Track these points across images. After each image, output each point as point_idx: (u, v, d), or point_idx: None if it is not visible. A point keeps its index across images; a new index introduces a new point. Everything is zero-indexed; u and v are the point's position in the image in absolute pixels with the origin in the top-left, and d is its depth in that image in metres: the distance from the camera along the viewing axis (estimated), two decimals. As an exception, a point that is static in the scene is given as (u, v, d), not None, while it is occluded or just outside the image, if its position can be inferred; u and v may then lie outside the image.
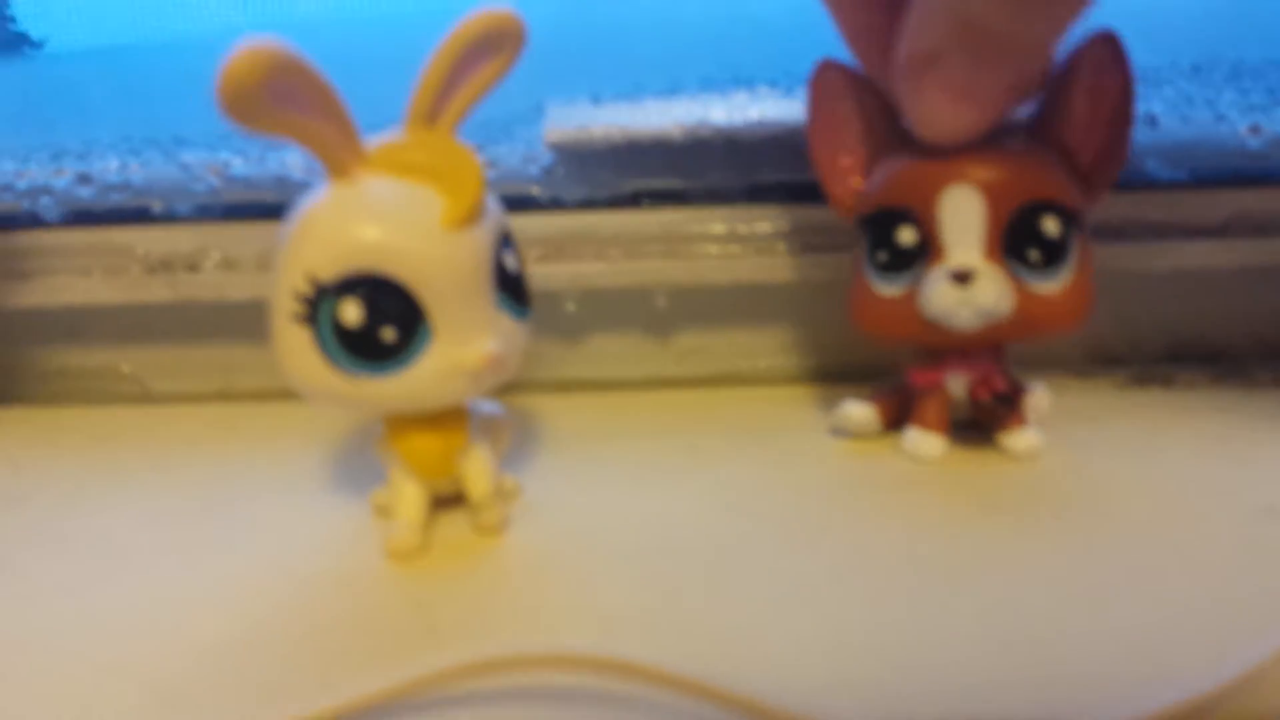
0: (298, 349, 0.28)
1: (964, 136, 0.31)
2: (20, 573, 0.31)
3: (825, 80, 0.35)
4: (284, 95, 0.25)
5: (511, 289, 0.29)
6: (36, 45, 0.55)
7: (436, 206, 0.27)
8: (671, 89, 0.42)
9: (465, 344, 0.28)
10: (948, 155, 0.33)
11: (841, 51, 0.35)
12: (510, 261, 0.29)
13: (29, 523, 0.34)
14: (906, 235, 0.33)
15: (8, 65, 0.54)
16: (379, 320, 0.27)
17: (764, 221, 0.40)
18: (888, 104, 0.34)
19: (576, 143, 0.40)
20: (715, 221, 0.40)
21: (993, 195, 0.32)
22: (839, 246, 0.40)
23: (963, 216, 0.32)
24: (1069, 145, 0.33)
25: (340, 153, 0.27)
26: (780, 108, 0.40)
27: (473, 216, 0.27)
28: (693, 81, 0.42)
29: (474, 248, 0.28)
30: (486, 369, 0.28)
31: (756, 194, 0.41)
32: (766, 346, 0.43)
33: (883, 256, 0.34)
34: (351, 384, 0.28)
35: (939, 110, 0.29)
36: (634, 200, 0.41)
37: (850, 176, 0.35)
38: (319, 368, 0.27)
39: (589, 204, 0.41)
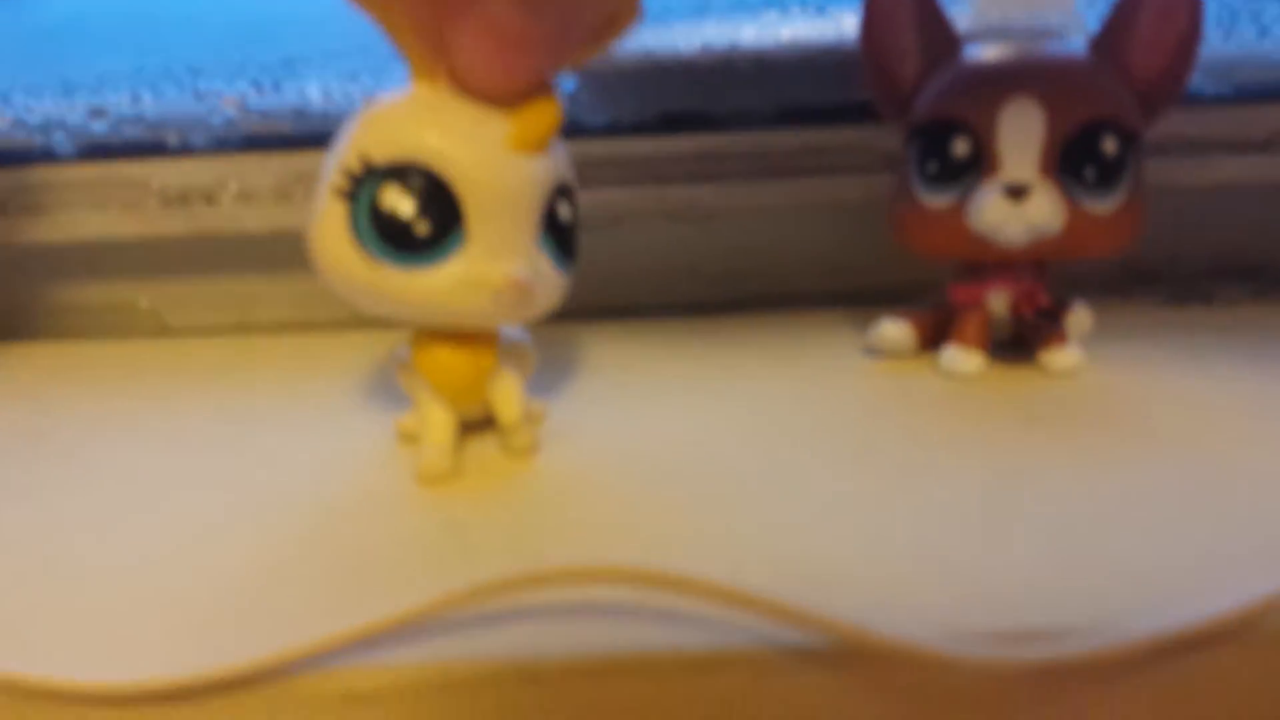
0: (331, 226, 0.27)
1: (515, 87, 0.27)
2: (44, 505, 0.30)
3: None
4: None
5: (558, 236, 0.29)
6: None
7: (504, 127, 0.27)
8: (700, 9, 0.41)
9: (495, 262, 0.27)
10: (1011, 68, 0.32)
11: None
12: (564, 211, 0.29)
13: (51, 456, 0.33)
14: (960, 146, 0.32)
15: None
16: (417, 208, 0.27)
17: (795, 144, 0.39)
18: (944, 13, 0.33)
19: (601, 66, 0.39)
20: (744, 145, 0.39)
21: (1055, 111, 0.31)
22: (870, 168, 0.39)
23: (1022, 131, 0.31)
24: (1131, 65, 0.33)
25: (428, 55, 0.27)
26: (811, 28, 0.39)
27: (536, 145, 0.27)
28: (723, 3, 0.41)
29: (529, 178, 0.28)
30: (510, 291, 0.27)
31: (786, 117, 0.40)
32: (800, 269, 0.42)
33: (933, 167, 0.33)
34: (374, 270, 0.27)
35: (481, 54, 0.26)
36: (661, 124, 0.40)
37: (903, 84, 0.35)
38: (347, 248, 0.27)
39: (614, 129, 0.40)
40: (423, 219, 0.27)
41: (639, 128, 0.40)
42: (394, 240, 0.27)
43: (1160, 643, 0.21)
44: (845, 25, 0.39)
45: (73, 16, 0.44)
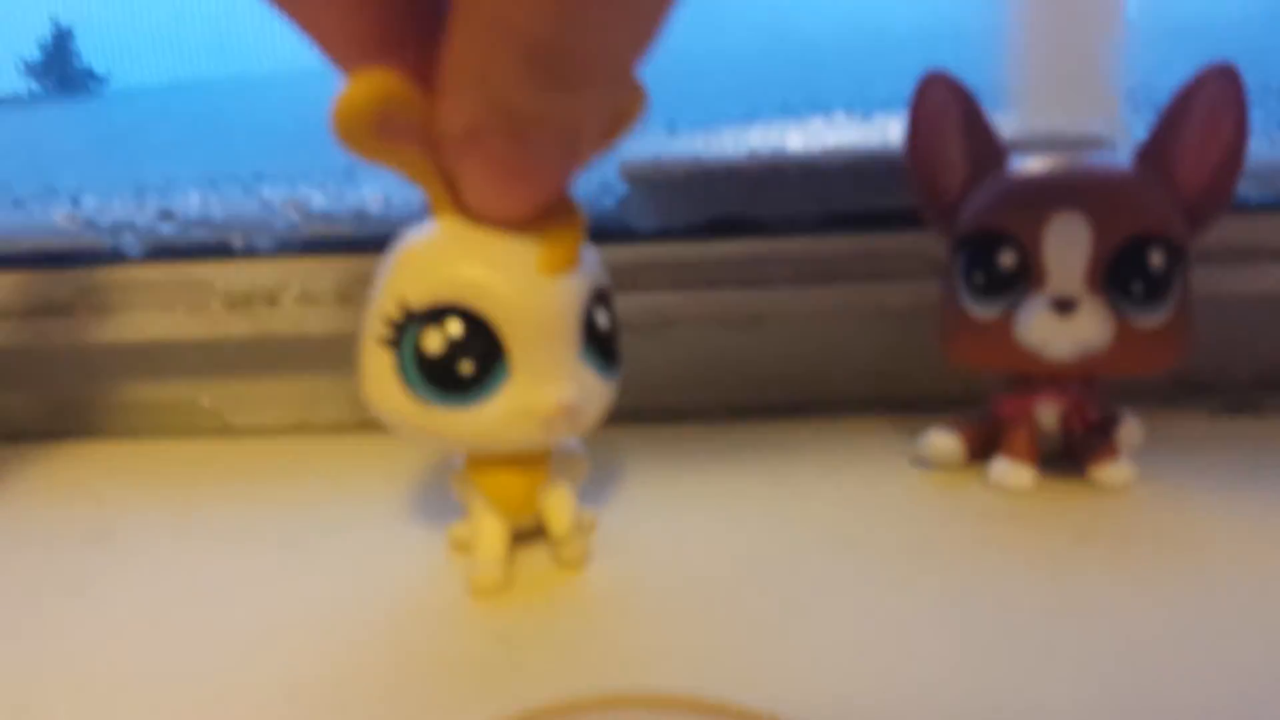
0: (380, 372, 0.28)
1: (519, 213, 0.27)
2: (106, 605, 0.31)
3: (930, 94, 0.35)
4: (397, 128, 0.25)
5: (599, 345, 0.29)
6: (101, 80, 0.56)
7: (532, 252, 0.27)
8: (747, 116, 0.42)
9: (541, 389, 0.28)
10: (1057, 180, 0.32)
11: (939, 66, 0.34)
12: (602, 319, 0.29)
13: (111, 553, 0.34)
14: (1007, 259, 0.32)
15: (76, 102, 0.56)
16: (459, 351, 0.27)
17: (842, 249, 0.40)
18: (989, 122, 0.34)
19: (651, 172, 0.40)
20: (792, 250, 0.40)
21: (1101, 225, 0.31)
22: (916, 274, 0.40)
23: (1068, 244, 0.32)
24: (1177, 176, 0.33)
25: (447, 191, 0.27)
26: (858, 133, 0.39)
27: (568, 265, 0.27)
28: (769, 108, 0.42)
29: (565, 297, 0.28)
30: (558, 416, 0.28)
31: (833, 222, 0.40)
32: (844, 375, 0.42)
33: (980, 279, 0.33)
34: (425, 412, 0.28)
35: (487, 188, 0.26)
36: (710, 229, 0.40)
37: (949, 193, 0.35)
38: (397, 392, 0.28)
39: (664, 233, 0.41)
40: (467, 359, 0.27)
41: (689, 232, 0.41)
42: (441, 383, 0.27)
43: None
44: (890, 132, 0.40)
45: (144, 120, 0.46)
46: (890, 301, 0.40)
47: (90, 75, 0.57)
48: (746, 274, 0.40)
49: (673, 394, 0.43)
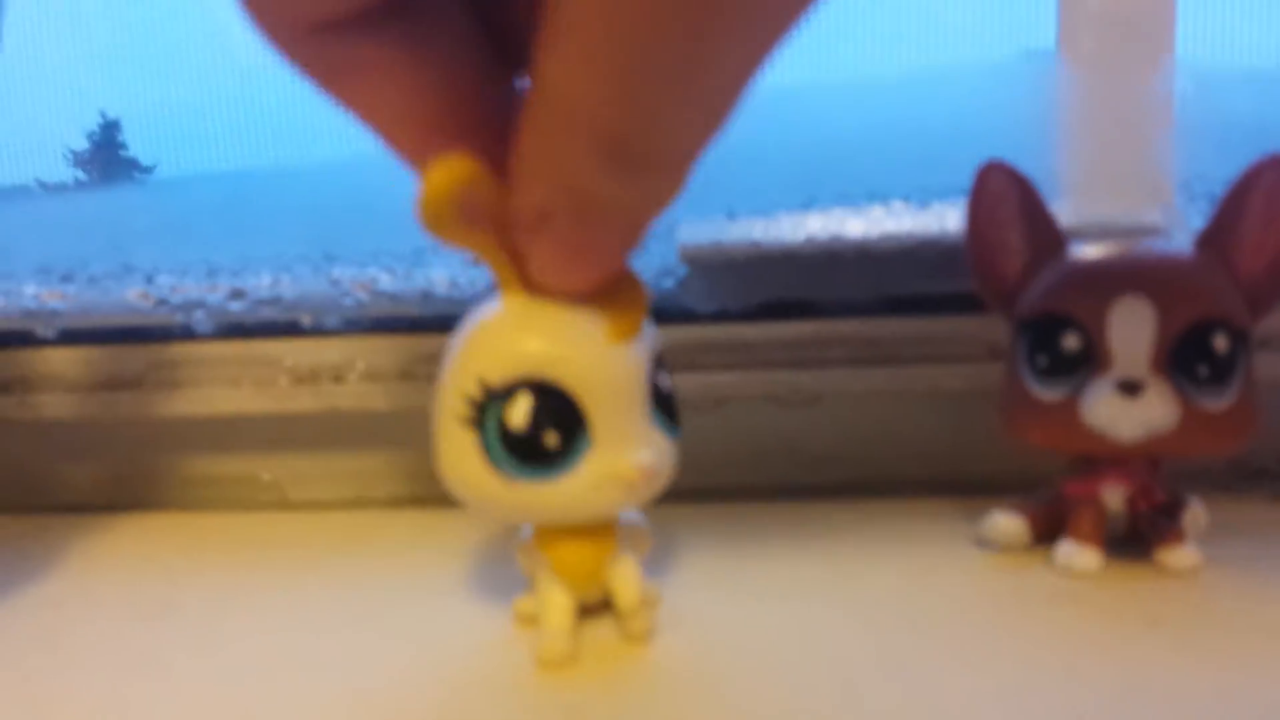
0: (461, 452, 0.28)
1: (584, 288, 0.28)
2: (175, 677, 0.31)
3: (990, 182, 0.35)
4: (476, 211, 0.26)
5: (664, 407, 0.30)
6: (146, 170, 0.58)
7: (600, 322, 0.28)
8: (806, 204, 0.42)
9: (622, 454, 0.28)
10: (1120, 265, 0.32)
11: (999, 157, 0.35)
12: (663, 381, 0.30)
13: (176, 626, 0.34)
14: (1071, 341, 0.33)
15: (120, 190, 0.57)
16: (543, 423, 0.28)
17: (897, 332, 0.40)
18: (1048, 209, 0.35)
19: (710, 255, 0.40)
20: (847, 331, 0.40)
21: (1165, 309, 0.32)
22: (972, 357, 0.40)
23: (1133, 328, 0.32)
24: (1237, 263, 0.33)
25: (516, 269, 0.28)
26: (914, 221, 0.40)
27: (634, 333, 0.28)
28: (828, 197, 0.42)
29: (634, 363, 0.28)
30: (642, 480, 0.28)
31: (889, 306, 0.41)
32: (903, 456, 0.43)
33: (1043, 361, 0.33)
34: (511, 488, 0.28)
35: (555, 266, 0.27)
36: (766, 311, 0.41)
37: (1008, 278, 0.35)
38: (481, 471, 0.28)
39: (722, 315, 0.41)
40: (552, 431, 0.28)
41: (746, 314, 0.41)
42: (529, 458, 0.28)
43: None
44: (946, 219, 0.41)
45: (220, 204, 0.47)
46: (945, 384, 0.40)
47: (135, 165, 0.59)
48: (801, 355, 0.41)
49: (729, 473, 0.43)
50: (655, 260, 0.42)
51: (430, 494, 0.44)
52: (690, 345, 0.41)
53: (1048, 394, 0.33)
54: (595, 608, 0.32)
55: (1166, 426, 0.32)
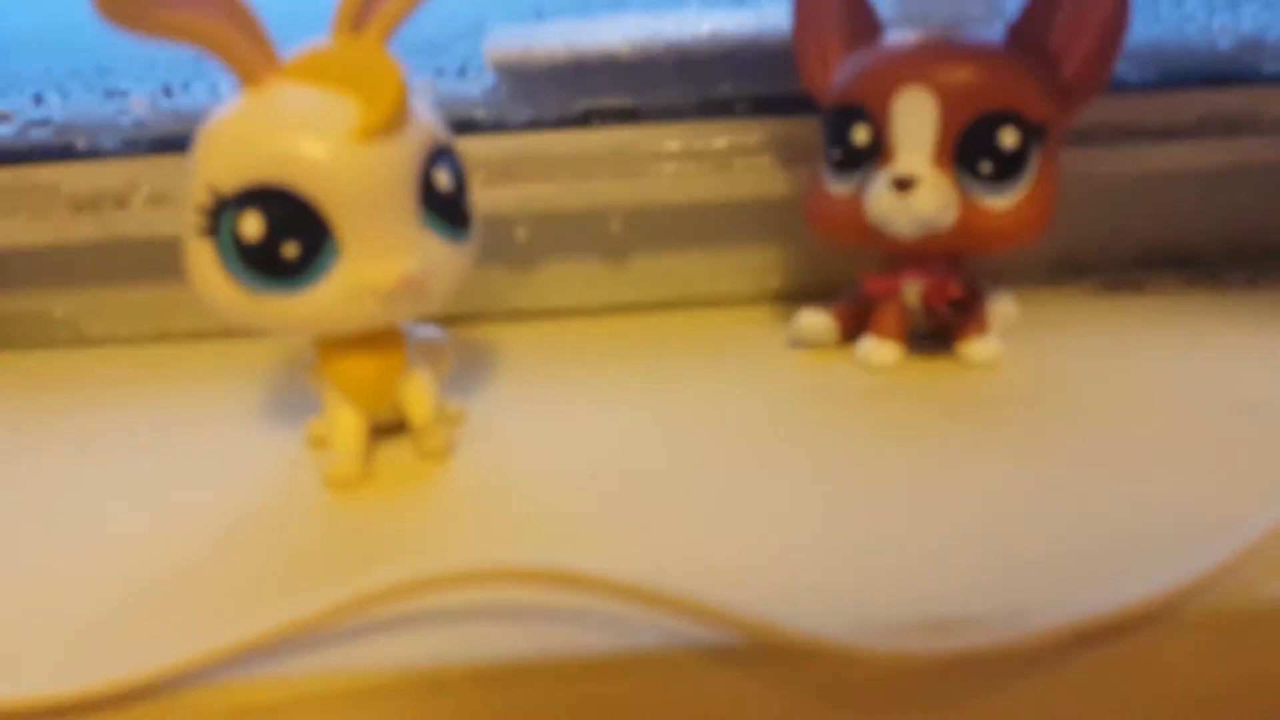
0: (203, 264, 0.26)
1: None
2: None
3: None
4: None
5: (442, 208, 0.27)
6: None
7: (344, 117, 0.25)
8: (620, 3, 0.40)
9: (378, 263, 0.26)
10: (911, 55, 0.31)
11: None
12: (443, 179, 0.27)
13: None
14: (860, 134, 0.32)
15: None
16: (279, 234, 0.25)
17: (719, 137, 0.39)
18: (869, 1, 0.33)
19: (521, 62, 0.38)
20: (669, 139, 0.39)
21: (948, 101, 0.30)
22: (797, 161, 0.39)
23: (914, 120, 0.31)
24: (1050, 52, 0.32)
25: (248, 58, 0.26)
26: (733, 20, 0.38)
27: (388, 127, 0.25)
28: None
29: (392, 161, 0.26)
30: (400, 290, 0.26)
31: (710, 109, 0.39)
32: (725, 266, 0.42)
33: (837, 154, 0.32)
34: (255, 301, 0.26)
35: None
36: (583, 119, 0.39)
37: (827, 67, 0.34)
38: (223, 284, 0.26)
39: (535, 125, 0.39)
40: (290, 241, 0.25)
41: (561, 122, 0.39)
42: (266, 269, 0.26)
43: (1078, 629, 0.21)
44: (767, 17, 0.39)
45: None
46: (768, 190, 0.39)
47: None
48: (622, 165, 0.39)
49: (548, 290, 0.42)
50: (455, 63, 0.39)
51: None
52: (502, 158, 0.39)
53: (839, 187, 0.33)
54: (398, 429, 0.31)
55: (944, 224, 0.31)
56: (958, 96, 0.30)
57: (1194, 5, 0.40)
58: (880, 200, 0.31)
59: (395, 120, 0.25)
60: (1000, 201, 0.31)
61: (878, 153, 0.32)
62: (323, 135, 0.25)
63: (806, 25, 0.34)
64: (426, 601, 0.22)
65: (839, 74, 0.33)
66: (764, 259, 0.41)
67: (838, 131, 0.32)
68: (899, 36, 0.33)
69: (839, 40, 0.34)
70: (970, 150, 0.31)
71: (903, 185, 0.31)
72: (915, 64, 0.31)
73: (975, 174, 0.31)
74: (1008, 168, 0.31)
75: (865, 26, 0.34)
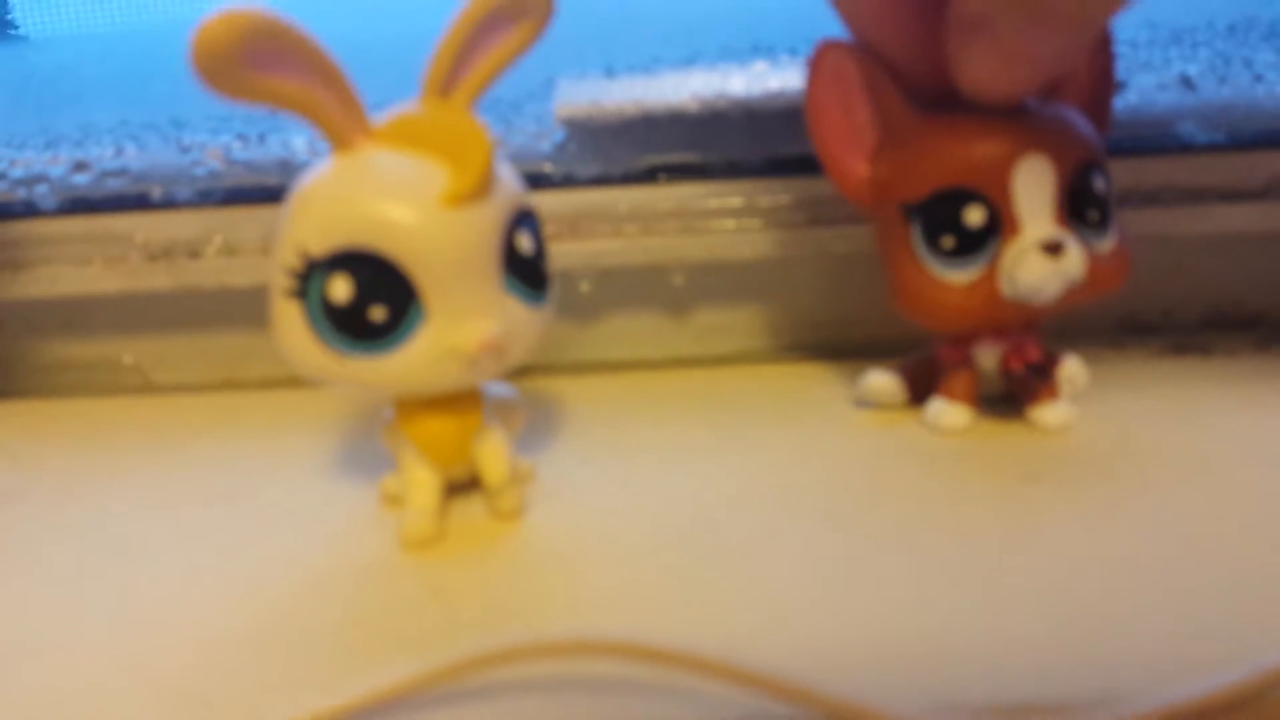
0: (290, 325, 0.27)
1: (1010, 98, 0.29)
2: (21, 568, 0.29)
3: (830, 63, 0.33)
4: (269, 61, 0.24)
5: (523, 272, 0.28)
6: (18, 30, 0.53)
7: (434, 182, 0.26)
8: (688, 60, 0.40)
9: (462, 327, 0.26)
10: (1007, 127, 0.31)
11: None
12: (524, 243, 0.28)
13: (27, 517, 0.32)
14: (974, 215, 0.31)
15: None
16: (368, 298, 0.26)
17: (783, 195, 0.39)
18: (896, 83, 0.32)
19: (588, 117, 0.38)
20: (733, 196, 0.39)
21: (1060, 161, 0.31)
22: (855, 219, 0.39)
23: (1035, 187, 0.31)
24: (1070, 102, 0.33)
25: (340, 123, 0.26)
26: (799, 77, 0.38)
27: (476, 193, 0.26)
28: (711, 51, 0.40)
29: (478, 225, 0.26)
30: (483, 353, 0.26)
31: (775, 167, 0.39)
32: (787, 322, 0.42)
33: (949, 242, 0.31)
34: (342, 363, 0.26)
35: (988, 71, 0.27)
36: (649, 175, 0.39)
37: (864, 163, 0.33)
38: (310, 345, 0.26)
39: (602, 180, 0.39)
40: (378, 305, 0.26)
41: (627, 179, 0.39)
42: (354, 332, 0.26)
43: (1169, 716, 0.21)
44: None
45: (57, 69, 0.44)
46: (831, 247, 0.39)
47: (8, 25, 0.54)
48: (686, 221, 0.39)
49: (614, 344, 0.42)
50: (530, 122, 0.40)
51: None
52: (570, 213, 0.39)
53: (958, 275, 0.31)
54: (468, 486, 0.31)
55: (1081, 277, 0.31)
56: (1064, 155, 0.31)
57: (1263, 65, 0.40)
58: (1034, 271, 0.30)
59: (483, 186, 0.26)
60: (1105, 245, 0.32)
61: (998, 229, 0.31)
62: (412, 201, 0.25)
63: (831, 118, 0.33)
64: (506, 673, 0.22)
65: (913, 164, 0.32)
66: (826, 315, 0.41)
67: (946, 219, 0.31)
68: (943, 118, 0.32)
69: (873, 131, 0.33)
70: (1076, 203, 0.31)
71: (1055, 250, 0.30)
72: (1022, 133, 0.31)
73: (1085, 223, 0.31)
74: (1107, 211, 0.32)
75: (901, 113, 0.32)
